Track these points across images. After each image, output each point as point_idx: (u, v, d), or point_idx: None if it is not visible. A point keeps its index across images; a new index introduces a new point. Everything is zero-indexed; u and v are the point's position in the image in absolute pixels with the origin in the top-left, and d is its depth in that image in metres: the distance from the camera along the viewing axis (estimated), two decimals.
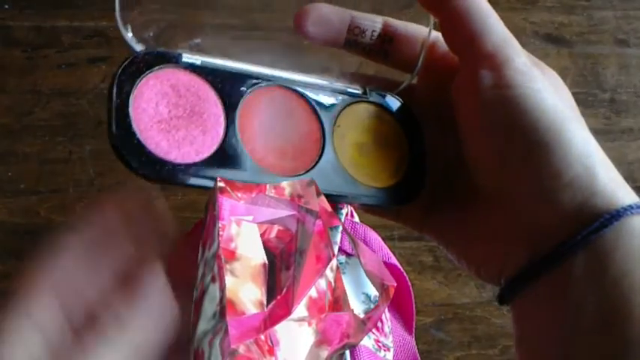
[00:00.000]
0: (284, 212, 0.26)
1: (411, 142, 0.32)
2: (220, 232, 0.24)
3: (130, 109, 0.27)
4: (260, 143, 0.29)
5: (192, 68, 0.29)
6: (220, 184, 0.26)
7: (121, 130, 0.26)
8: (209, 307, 0.24)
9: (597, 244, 0.24)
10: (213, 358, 0.23)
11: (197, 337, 0.24)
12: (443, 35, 0.30)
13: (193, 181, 0.26)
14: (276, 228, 0.26)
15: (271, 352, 0.23)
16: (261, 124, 0.29)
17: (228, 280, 0.24)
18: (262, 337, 0.23)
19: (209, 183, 0.27)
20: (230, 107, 0.29)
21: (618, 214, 0.24)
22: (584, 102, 0.62)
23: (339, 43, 0.31)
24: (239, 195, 0.26)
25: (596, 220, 0.25)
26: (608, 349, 0.24)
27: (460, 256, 0.31)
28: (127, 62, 0.28)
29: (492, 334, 0.50)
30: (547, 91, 0.27)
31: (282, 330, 0.24)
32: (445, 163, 0.32)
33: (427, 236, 0.33)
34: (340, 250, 0.34)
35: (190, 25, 0.30)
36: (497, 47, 0.27)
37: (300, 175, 0.28)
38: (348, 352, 0.33)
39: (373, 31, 0.31)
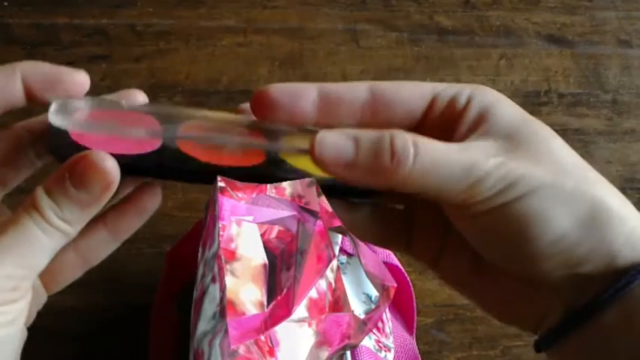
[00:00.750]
0: (284, 212, 0.26)
1: None
2: (221, 232, 0.24)
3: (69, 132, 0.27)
4: (200, 149, 0.28)
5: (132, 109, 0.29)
6: (221, 183, 0.26)
7: (59, 142, 0.26)
8: (209, 307, 0.24)
9: (626, 299, 0.25)
10: (213, 358, 0.23)
11: (197, 338, 0.24)
12: None
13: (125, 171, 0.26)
14: (276, 228, 0.26)
15: (271, 352, 0.23)
16: (202, 140, 0.29)
17: (229, 280, 0.23)
18: (262, 337, 0.23)
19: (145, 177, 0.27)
20: (169, 129, 0.28)
21: None
22: (586, 103, 0.62)
23: None
24: (239, 195, 0.26)
25: (620, 278, 0.25)
26: None
27: (479, 303, 0.30)
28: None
29: (493, 335, 0.50)
30: (529, 186, 0.25)
31: (283, 331, 0.24)
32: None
33: (444, 281, 0.31)
34: (341, 250, 0.34)
35: None
36: (460, 188, 0.25)
37: (247, 167, 0.28)
38: (349, 353, 0.33)
39: None
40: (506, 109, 0.27)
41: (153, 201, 0.29)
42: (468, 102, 0.27)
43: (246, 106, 0.29)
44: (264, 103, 0.28)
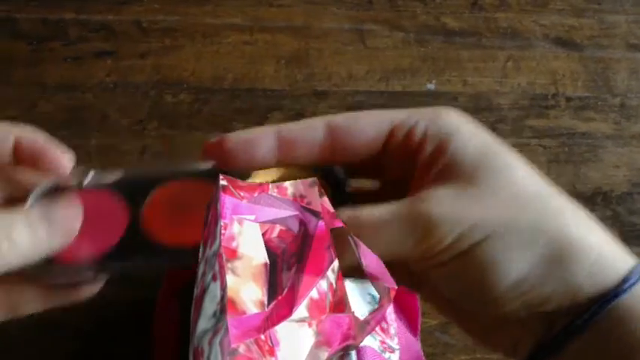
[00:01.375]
0: (286, 212, 0.26)
1: None
2: (222, 231, 0.24)
3: None
4: (165, 228, 0.29)
5: (95, 187, 0.29)
6: (223, 182, 0.26)
7: None
8: (209, 305, 0.24)
9: (594, 329, 0.25)
10: (212, 357, 0.23)
11: (197, 336, 0.24)
12: None
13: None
14: (277, 228, 0.26)
15: (271, 352, 0.23)
16: (169, 217, 0.29)
17: (229, 278, 0.23)
18: (263, 337, 0.23)
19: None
20: (135, 208, 0.29)
21: (606, 301, 0.24)
22: (594, 107, 0.61)
23: None
24: (241, 194, 0.26)
25: (586, 310, 0.25)
26: None
27: (460, 328, 0.30)
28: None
29: None
30: (483, 232, 0.25)
31: (283, 330, 0.24)
32: None
33: (424, 299, 0.32)
34: None
35: None
36: (410, 245, 0.25)
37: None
38: (353, 353, 0.33)
39: None
40: (466, 140, 0.26)
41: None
42: (425, 134, 0.27)
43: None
44: (220, 155, 0.28)
